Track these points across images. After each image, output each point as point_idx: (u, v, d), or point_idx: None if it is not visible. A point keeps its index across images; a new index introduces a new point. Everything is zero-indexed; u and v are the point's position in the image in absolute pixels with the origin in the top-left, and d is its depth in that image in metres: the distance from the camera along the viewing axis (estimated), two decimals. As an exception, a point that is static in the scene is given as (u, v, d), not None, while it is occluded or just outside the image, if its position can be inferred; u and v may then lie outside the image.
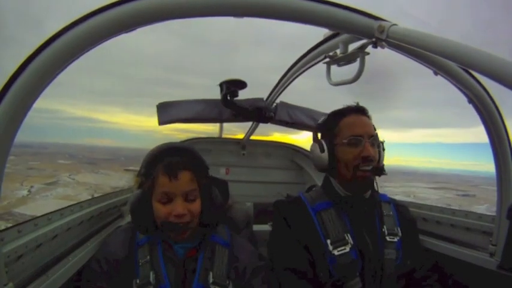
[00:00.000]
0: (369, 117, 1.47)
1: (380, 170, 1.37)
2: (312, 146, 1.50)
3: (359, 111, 1.46)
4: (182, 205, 1.20)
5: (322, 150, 1.43)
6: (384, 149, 1.46)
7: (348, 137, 1.38)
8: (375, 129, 1.46)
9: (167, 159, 1.23)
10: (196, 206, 1.24)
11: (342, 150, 1.40)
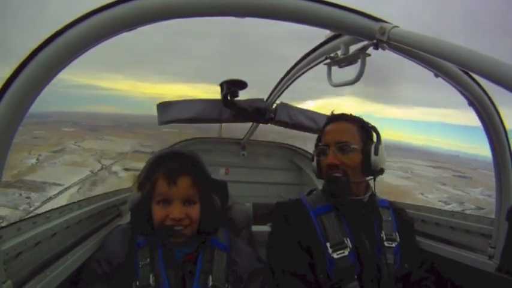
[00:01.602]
0: (348, 121, 1.50)
1: (342, 178, 1.39)
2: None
3: (334, 119, 1.53)
4: (180, 209, 1.21)
5: (312, 159, 1.56)
6: (376, 152, 1.41)
7: (318, 147, 1.52)
8: (370, 132, 1.48)
9: (168, 164, 1.24)
10: (195, 210, 1.25)
11: (317, 159, 1.52)
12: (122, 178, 14.09)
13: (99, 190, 12.30)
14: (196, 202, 1.25)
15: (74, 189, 11.61)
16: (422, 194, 16.15)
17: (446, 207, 14.17)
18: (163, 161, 1.28)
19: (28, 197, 10.11)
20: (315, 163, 1.54)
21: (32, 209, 9.43)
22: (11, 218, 8.16)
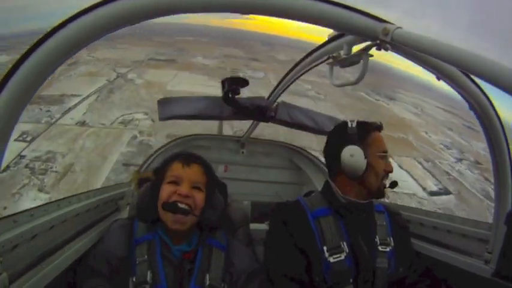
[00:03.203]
0: None
1: (397, 183, 1.52)
2: (350, 150, 1.44)
3: (382, 129, 1.56)
4: (188, 188, 1.28)
5: (366, 157, 1.42)
6: None
7: (381, 151, 1.47)
8: None
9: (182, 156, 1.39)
10: (200, 196, 1.30)
11: (376, 161, 1.45)
12: (138, 85, 14.07)
13: (116, 97, 12.25)
14: (203, 191, 1.32)
15: (92, 98, 11.61)
16: (426, 132, 15.80)
17: (446, 151, 13.95)
18: (177, 155, 1.40)
19: (48, 111, 10.10)
20: (366, 161, 1.42)
21: (53, 121, 9.56)
22: (34, 132, 8.34)
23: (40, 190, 6.37)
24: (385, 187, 1.46)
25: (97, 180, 6.83)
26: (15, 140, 7.85)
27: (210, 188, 1.36)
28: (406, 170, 10.51)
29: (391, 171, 1.48)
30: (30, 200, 6.02)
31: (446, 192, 9.83)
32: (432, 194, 9.47)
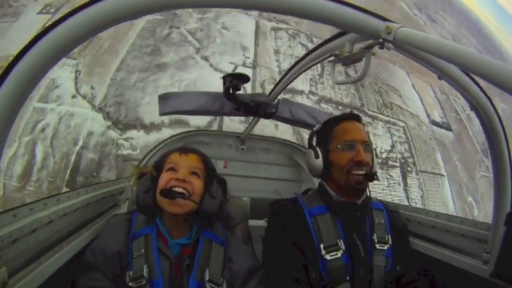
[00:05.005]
0: (363, 124, 1.51)
1: (372, 176, 1.39)
2: (307, 152, 1.54)
3: (353, 118, 1.50)
4: (186, 174, 1.29)
5: (317, 156, 1.48)
6: (376, 156, 1.49)
7: (342, 142, 1.43)
8: (369, 137, 1.48)
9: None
10: (199, 182, 1.31)
11: (337, 155, 1.43)
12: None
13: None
14: (201, 178, 1.33)
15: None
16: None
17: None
18: (175, 148, 1.43)
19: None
20: (319, 160, 1.46)
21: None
22: (57, 3, 8.10)
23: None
24: (355, 179, 1.37)
25: (123, 47, 7.04)
26: (38, 13, 7.78)
27: (208, 177, 1.38)
28: (417, 92, 10.24)
29: (359, 161, 1.37)
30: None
31: (448, 128, 9.63)
32: (434, 123, 9.30)
